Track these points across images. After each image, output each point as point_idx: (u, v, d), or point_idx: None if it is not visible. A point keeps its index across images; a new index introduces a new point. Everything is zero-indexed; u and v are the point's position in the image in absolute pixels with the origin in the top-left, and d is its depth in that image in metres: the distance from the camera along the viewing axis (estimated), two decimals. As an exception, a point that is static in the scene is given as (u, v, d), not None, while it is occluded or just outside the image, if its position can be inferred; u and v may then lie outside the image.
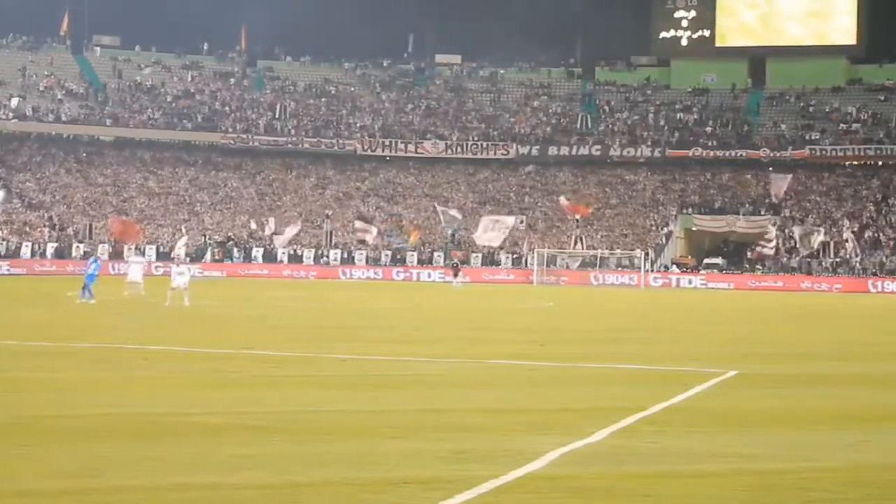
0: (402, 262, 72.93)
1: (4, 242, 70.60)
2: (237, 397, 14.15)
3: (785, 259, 70.61)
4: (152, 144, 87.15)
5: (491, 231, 70.05)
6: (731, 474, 9.85)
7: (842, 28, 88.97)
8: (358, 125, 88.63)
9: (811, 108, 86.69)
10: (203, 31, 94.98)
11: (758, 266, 71.40)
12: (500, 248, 72.39)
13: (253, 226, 75.92)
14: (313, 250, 73.86)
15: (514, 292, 55.55)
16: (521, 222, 74.58)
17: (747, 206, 77.38)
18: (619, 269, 70.36)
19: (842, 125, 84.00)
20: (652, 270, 70.20)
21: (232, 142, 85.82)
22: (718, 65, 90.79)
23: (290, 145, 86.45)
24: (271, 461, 9.99)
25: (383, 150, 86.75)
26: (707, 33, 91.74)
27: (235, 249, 73.94)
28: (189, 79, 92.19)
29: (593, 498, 8.98)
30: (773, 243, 69.32)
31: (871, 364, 20.66)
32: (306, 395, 14.62)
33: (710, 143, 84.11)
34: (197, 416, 12.44)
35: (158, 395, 14.24)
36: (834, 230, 72.33)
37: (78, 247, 71.13)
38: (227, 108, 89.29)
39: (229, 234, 76.35)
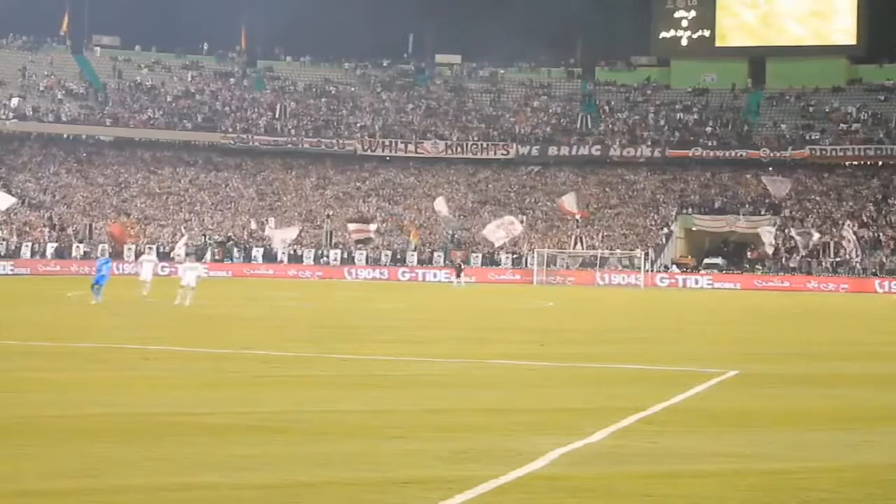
0: (403, 261, 72.96)
1: (4, 242, 70.61)
2: (237, 397, 14.15)
3: (784, 259, 70.60)
4: (152, 144, 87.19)
5: (501, 230, 70.16)
6: (731, 474, 9.85)
7: (842, 28, 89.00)
8: (358, 125, 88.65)
9: (811, 108, 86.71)
10: (203, 31, 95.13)
11: (757, 266, 71.42)
12: (501, 247, 72.39)
13: (253, 226, 75.93)
14: (313, 250, 73.88)
15: (516, 292, 55.53)
16: (522, 222, 74.58)
17: (747, 206, 77.39)
18: (625, 269, 70.30)
19: (842, 125, 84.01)
20: (652, 270, 70.23)
21: (232, 142, 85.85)
22: (718, 65, 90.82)
23: (290, 145, 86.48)
24: (272, 461, 9.99)
25: (383, 150, 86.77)
26: (707, 33, 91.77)
27: (235, 249, 73.95)
28: (189, 79, 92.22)
29: (593, 498, 8.98)
30: (771, 243, 69.26)
31: (873, 364, 20.64)
32: (307, 395, 14.62)
33: (710, 143, 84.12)
34: (197, 416, 12.44)
35: (158, 395, 14.23)
36: (834, 230, 72.33)
37: (78, 247, 71.21)
38: (227, 108, 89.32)
39: (229, 234, 76.38)
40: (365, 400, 14.20)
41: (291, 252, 73.20)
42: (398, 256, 73.61)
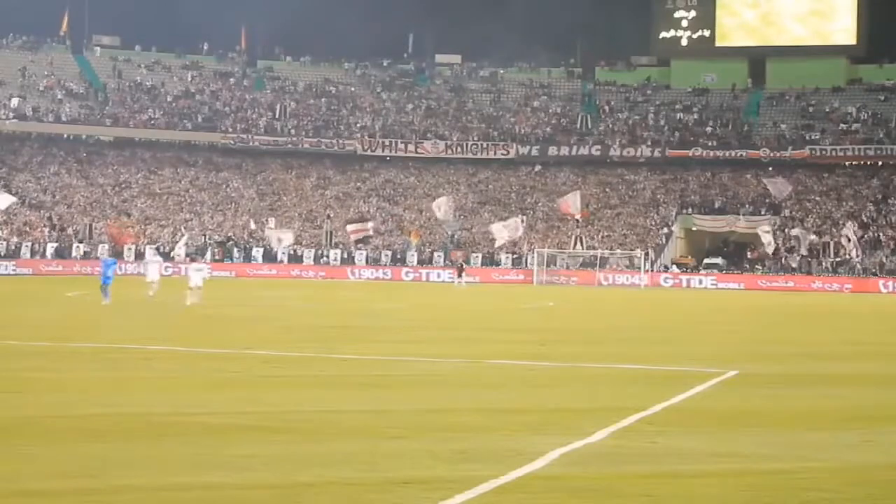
0: (403, 262, 72.97)
1: (5, 242, 70.61)
2: (238, 397, 14.15)
3: (784, 259, 70.59)
4: (152, 144, 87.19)
5: (505, 231, 70.32)
6: (731, 474, 9.86)
7: (842, 28, 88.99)
8: (358, 125, 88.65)
9: (811, 108, 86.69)
10: (203, 31, 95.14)
11: (757, 266, 71.42)
12: (500, 248, 72.42)
13: (253, 226, 75.94)
14: (313, 250, 73.88)
15: (516, 292, 55.52)
16: (522, 222, 74.63)
17: (747, 206, 77.38)
18: (629, 269, 70.25)
19: (842, 125, 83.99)
20: (652, 270, 70.24)
21: (232, 142, 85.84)
22: (718, 65, 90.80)
23: (290, 145, 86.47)
24: (272, 461, 10.00)
25: (383, 150, 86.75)
26: (707, 33, 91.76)
27: (235, 249, 73.95)
28: (189, 79, 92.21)
29: (593, 498, 8.99)
30: (770, 243, 69.25)
31: (874, 364, 20.63)
32: (307, 395, 14.63)
33: (710, 143, 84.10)
34: (198, 416, 12.44)
35: (159, 395, 14.24)
36: (834, 230, 72.33)
37: (78, 247, 71.24)
38: (227, 108, 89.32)
39: (229, 234, 76.39)
40: (365, 400, 14.21)
41: (291, 252, 73.21)
42: (398, 256, 73.62)
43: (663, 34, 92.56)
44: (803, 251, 69.90)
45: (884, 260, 69.02)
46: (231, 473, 9.47)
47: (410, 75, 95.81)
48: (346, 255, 73.64)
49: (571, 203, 73.65)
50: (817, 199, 78.48)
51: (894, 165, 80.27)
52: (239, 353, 19.93)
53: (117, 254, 68.42)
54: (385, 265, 72.59)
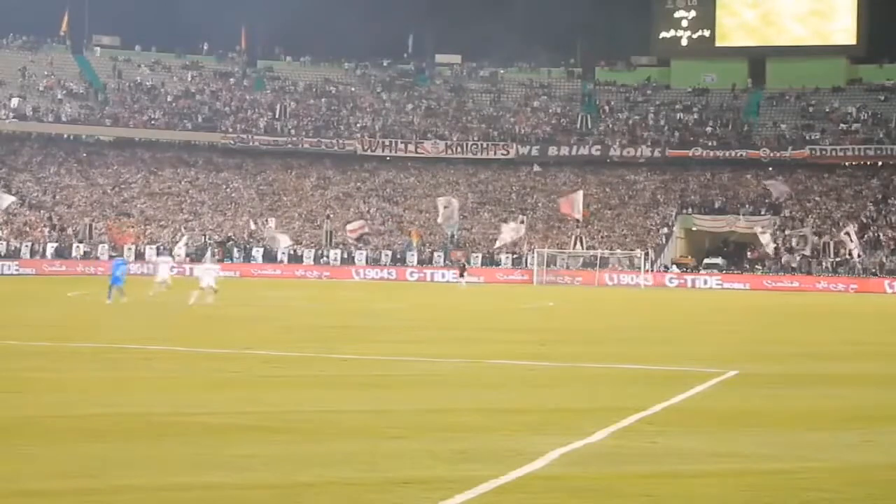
0: (403, 261, 72.95)
1: (5, 242, 70.62)
2: (238, 397, 14.15)
3: (783, 259, 70.56)
4: (152, 144, 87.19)
5: (508, 234, 70.47)
6: (731, 474, 9.85)
7: (842, 28, 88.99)
8: (358, 125, 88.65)
9: (811, 108, 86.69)
10: (203, 31, 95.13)
11: (757, 266, 71.41)
12: (500, 248, 72.45)
13: (253, 226, 75.93)
14: (313, 250, 73.86)
15: (517, 292, 55.52)
16: (522, 222, 74.66)
17: (747, 206, 77.37)
18: (629, 269, 70.24)
19: (842, 125, 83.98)
20: (652, 270, 70.23)
21: (232, 142, 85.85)
22: (718, 65, 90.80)
23: (290, 145, 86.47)
24: (272, 461, 10.00)
25: (383, 150, 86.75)
26: (707, 33, 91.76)
27: (235, 250, 73.93)
28: (189, 79, 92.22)
29: (593, 498, 8.99)
30: (769, 244, 69.24)
31: (874, 364, 20.63)
32: (307, 395, 14.63)
33: (710, 143, 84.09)
34: (198, 416, 12.44)
35: (159, 395, 14.24)
36: (834, 230, 72.31)
37: (78, 247, 71.25)
38: (227, 108, 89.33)
39: (229, 234, 76.39)
40: (365, 400, 14.21)
41: (291, 252, 73.20)
42: (398, 257, 73.61)
43: (663, 34, 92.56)
44: (808, 251, 69.88)
45: (884, 260, 68.99)
46: (231, 473, 9.47)
47: (410, 75, 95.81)
48: (346, 255, 73.61)
49: (573, 203, 73.66)
50: (817, 199, 78.48)
51: (894, 165, 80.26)
52: (239, 353, 19.93)
53: (118, 254, 68.40)
54: (387, 265, 72.52)
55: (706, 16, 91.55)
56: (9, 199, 70.92)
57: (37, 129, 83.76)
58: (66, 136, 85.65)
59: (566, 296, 52.72)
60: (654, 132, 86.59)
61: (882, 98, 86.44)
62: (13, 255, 69.22)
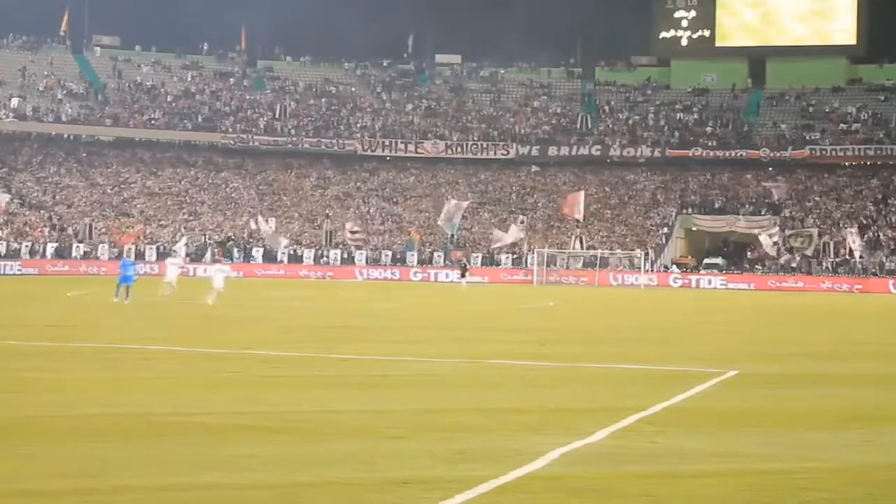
0: (403, 261, 72.93)
1: (4, 242, 70.61)
2: (237, 397, 14.15)
3: (784, 259, 70.54)
4: (152, 144, 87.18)
5: (510, 236, 70.55)
6: (731, 474, 9.85)
7: (842, 28, 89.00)
8: (358, 125, 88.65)
9: (811, 108, 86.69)
10: (203, 31, 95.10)
11: (757, 266, 71.40)
12: (500, 248, 72.45)
13: (253, 226, 75.91)
14: (313, 250, 73.84)
15: (517, 292, 55.51)
16: (522, 223, 74.67)
17: (747, 206, 77.38)
18: (632, 269, 70.20)
19: (842, 125, 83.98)
20: (652, 270, 70.21)
21: (232, 142, 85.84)
22: (718, 65, 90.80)
23: (290, 145, 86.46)
24: (272, 461, 9.99)
25: (383, 150, 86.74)
26: (707, 33, 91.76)
27: (235, 249, 73.91)
28: (189, 79, 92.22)
29: (593, 498, 8.99)
30: (770, 245, 69.22)
31: (875, 364, 20.63)
32: (307, 395, 14.63)
33: (710, 143, 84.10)
34: (197, 416, 12.44)
35: (158, 395, 14.24)
36: (834, 230, 72.31)
37: (78, 247, 71.24)
38: (227, 108, 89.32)
39: (229, 234, 76.38)
40: (364, 400, 14.20)
41: (291, 252, 73.18)
42: (398, 257, 73.59)
43: (663, 34, 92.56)
44: (810, 252, 69.87)
45: (884, 260, 68.98)
46: (230, 473, 9.47)
47: (410, 75, 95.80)
48: (346, 255, 73.60)
49: (574, 204, 73.61)
50: (817, 199, 78.47)
51: (894, 165, 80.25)
52: (238, 353, 19.92)
53: (119, 254, 68.42)
54: (387, 265, 72.50)
55: (706, 16, 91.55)
56: (4, 199, 70.92)
57: (37, 129, 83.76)
58: (66, 136, 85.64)
59: (566, 296, 52.72)
60: (654, 132, 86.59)
61: (882, 98, 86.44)
62: (13, 255, 69.20)
